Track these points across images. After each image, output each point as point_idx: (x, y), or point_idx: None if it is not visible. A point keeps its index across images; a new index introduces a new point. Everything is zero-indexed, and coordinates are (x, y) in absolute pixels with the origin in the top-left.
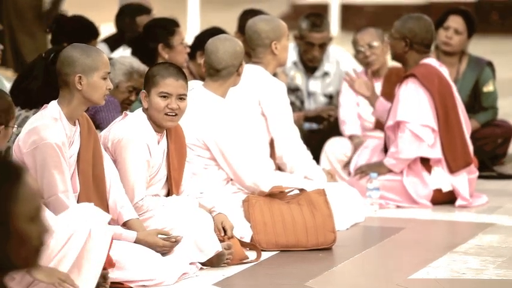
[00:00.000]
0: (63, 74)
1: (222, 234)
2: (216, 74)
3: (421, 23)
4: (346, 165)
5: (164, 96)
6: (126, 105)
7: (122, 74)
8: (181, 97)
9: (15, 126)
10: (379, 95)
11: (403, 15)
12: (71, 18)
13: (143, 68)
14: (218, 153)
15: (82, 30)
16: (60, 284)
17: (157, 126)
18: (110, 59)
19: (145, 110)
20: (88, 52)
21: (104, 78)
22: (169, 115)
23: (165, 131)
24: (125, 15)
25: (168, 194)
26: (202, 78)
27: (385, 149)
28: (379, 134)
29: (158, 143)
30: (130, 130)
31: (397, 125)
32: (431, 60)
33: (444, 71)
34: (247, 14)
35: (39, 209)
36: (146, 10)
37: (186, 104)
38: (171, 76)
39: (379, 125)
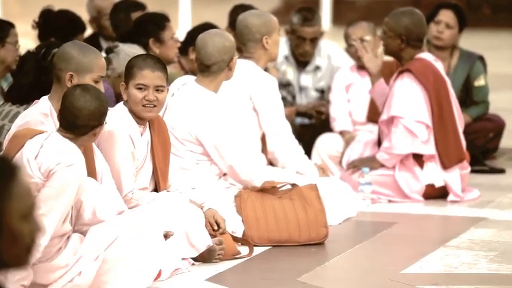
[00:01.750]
0: (57, 69)
1: (215, 228)
2: (207, 69)
3: (414, 18)
4: (341, 162)
5: (141, 88)
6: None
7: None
8: (159, 89)
9: (7, 122)
10: (381, 77)
11: (394, 9)
12: (57, 13)
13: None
14: (212, 148)
15: (68, 25)
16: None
17: (139, 118)
18: (111, 51)
19: (125, 103)
20: (86, 52)
21: (96, 82)
22: (147, 107)
23: (147, 123)
24: (119, 11)
25: (156, 187)
26: (194, 74)
27: (379, 143)
28: (371, 128)
29: (141, 135)
30: (112, 123)
31: (391, 119)
32: (426, 55)
33: (439, 65)
34: (238, 9)
35: (32, 207)
36: (141, 6)
37: (165, 95)
38: (148, 67)
39: (371, 119)
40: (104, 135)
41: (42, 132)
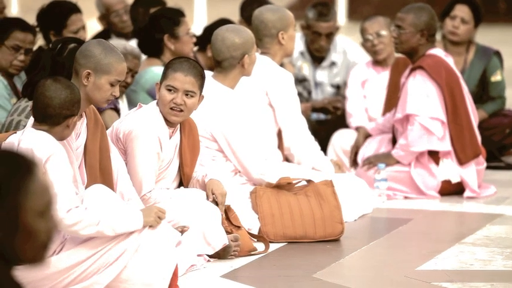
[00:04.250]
0: (77, 64)
1: (210, 200)
2: (219, 65)
3: (432, 13)
4: (355, 158)
5: (170, 90)
6: (122, 87)
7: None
8: (189, 93)
9: (23, 117)
10: (366, 128)
11: (409, 4)
12: (45, 7)
13: (137, 50)
14: (225, 145)
15: (59, 11)
16: (158, 222)
17: (169, 121)
18: None
19: (158, 103)
20: (108, 54)
21: (112, 85)
22: (174, 109)
23: (178, 125)
24: (139, 6)
25: (179, 187)
26: (210, 70)
27: (394, 141)
28: None
29: (170, 137)
30: (142, 122)
31: (406, 118)
32: (437, 51)
33: (450, 60)
34: (253, 3)
35: (49, 204)
36: (161, 2)
37: (195, 101)
38: (181, 71)
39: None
40: (131, 134)
41: (15, 132)
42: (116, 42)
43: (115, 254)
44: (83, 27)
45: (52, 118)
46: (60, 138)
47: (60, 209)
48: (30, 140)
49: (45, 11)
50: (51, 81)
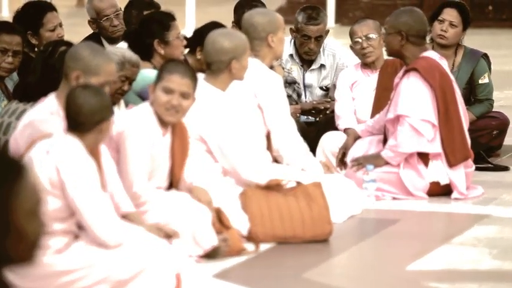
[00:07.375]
0: (66, 66)
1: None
2: (208, 67)
3: (414, 14)
4: (342, 159)
5: (166, 92)
6: (118, 95)
7: (114, 63)
8: (184, 95)
9: (14, 119)
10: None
11: (399, 8)
12: (20, 9)
13: (135, 57)
14: (215, 147)
15: (34, 11)
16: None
17: (161, 121)
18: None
19: (151, 104)
20: (96, 55)
21: (102, 86)
22: (169, 110)
23: (170, 127)
24: (133, 8)
25: (170, 186)
26: (199, 71)
27: (385, 141)
28: None
29: (162, 136)
30: (134, 121)
31: (397, 118)
32: (431, 53)
33: (444, 64)
34: (244, 6)
35: (39, 204)
36: (155, 5)
37: (190, 103)
38: (177, 73)
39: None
40: (124, 132)
41: (51, 135)
42: (115, 49)
43: (116, 269)
44: (60, 25)
45: (84, 125)
46: (95, 143)
47: (106, 226)
48: (60, 149)
49: (20, 12)
50: (80, 89)
